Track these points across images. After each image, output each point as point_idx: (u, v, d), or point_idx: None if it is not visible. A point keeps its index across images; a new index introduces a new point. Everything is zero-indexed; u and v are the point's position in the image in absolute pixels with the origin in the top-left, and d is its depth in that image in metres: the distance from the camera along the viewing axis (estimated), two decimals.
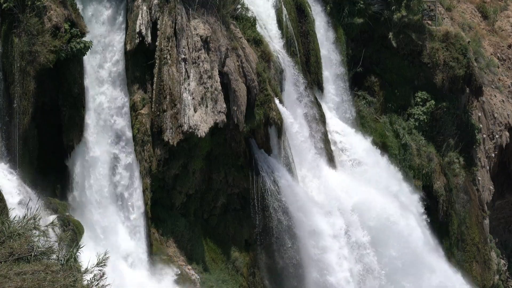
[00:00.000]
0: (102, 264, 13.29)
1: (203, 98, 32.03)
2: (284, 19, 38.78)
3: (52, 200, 28.40)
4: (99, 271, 13.56)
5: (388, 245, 39.54)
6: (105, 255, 13.33)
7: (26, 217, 14.22)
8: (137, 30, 31.17)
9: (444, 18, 50.25)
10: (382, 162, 42.54)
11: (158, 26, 31.75)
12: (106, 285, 14.00)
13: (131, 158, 31.44)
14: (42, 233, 14.39)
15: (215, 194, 34.54)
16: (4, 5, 27.49)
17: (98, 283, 13.84)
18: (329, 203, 37.36)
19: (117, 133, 31.28)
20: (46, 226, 14.55)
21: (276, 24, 38.64)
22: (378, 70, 45.47)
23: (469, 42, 48.05)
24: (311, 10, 41.15)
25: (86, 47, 28.74)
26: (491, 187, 50.38)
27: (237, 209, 35.22)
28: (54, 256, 14.37)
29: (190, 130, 31.56)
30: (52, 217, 26.62)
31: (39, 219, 14.42)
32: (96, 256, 13.82)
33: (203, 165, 33.88)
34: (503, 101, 52.55)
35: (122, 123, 31.33)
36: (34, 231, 14.29)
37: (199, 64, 32.27)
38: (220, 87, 32.49)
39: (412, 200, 43.05)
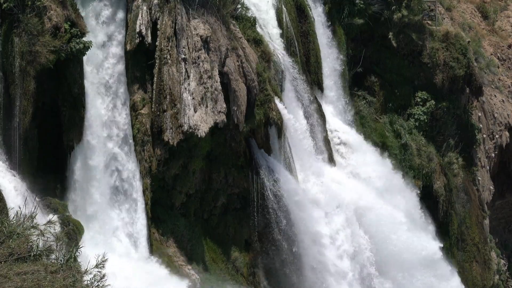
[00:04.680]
0: (101, 265, 13.30)
1: (203, 98, 32.04)
2: (284, 19, 38.78)
3: (52, 200, 28.39)
4: (98, 272, 13.57)
5: (388, 245, 39.56)
6: (103, 256, 13.34)
7: (24, 216, 14.23)
8: (137, 30, 31.18)
9: (444, 18, 50.27)
10: (382, 161, 42.55)
11: (158, 26, 31.75)
12: (106, 286, 14.01)
13: (131, 158, 31.46)
14: (40, 232, 14.39)
15: (215, 194, 34.55)
16: (4, 5, 27.48)
17: (98, 284, 13.85)
18: (329, 203, 37.36)
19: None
20: (44, 224, 14.57)
21: (276, 24, 38.64)
22: (378, 70, 45.48)
23: (469, 42, 48.05)
24: (311, 10, 41.15)
25: (86, 47, 28.76)
26: (491, 187, 50.40)
27: (237, 209, 35.23)
28: (54, 256, 14.38)
29: (190, 130, 31.57)
30: (51, 217, 26.62)
31: (36, 216, 14.43)
32: (95, 257, 13.82)
33: (203, 165, 33.89)
34: (503, 101, 52.57)
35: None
36: (32, 230, 14.30)
37: (199, 64, 32.28)
38: (220, 87, 32.50)
39: (413, 201, 43.07)
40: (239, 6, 35.59)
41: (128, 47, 31.17)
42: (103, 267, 13.61)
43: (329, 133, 40.12)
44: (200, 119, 31.79)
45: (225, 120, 32.52)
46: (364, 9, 43.14)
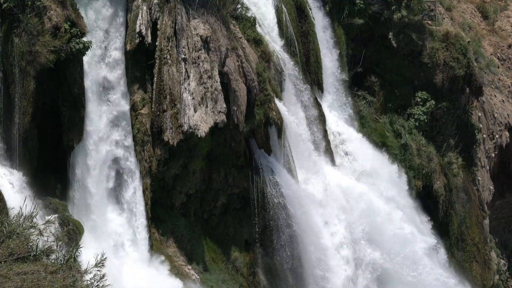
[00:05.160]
0: (101, 265, 13.30)
1: (203, 98, 32.04)
2: (284, 19, 38.78)
3: (52, 200, 28.39)
4: (98, 272, 13.57)
5: (388, 245, 39.55)
6: (102, 256, 13.34)
7: (23, 215, 14.23)
8: (137, 30, 31.19)
9: (444, 18, 50.26)
10: (382, 161, 42.54)
11: (158, 26, 31.75)
12: (107, 286, 14.01)
13: (131, 158, 31.46)
14: (39, 232, 14.39)
15: (215, 194, 34.55)
16: (4, 5, 27.48)
17: (98, 284, 13.85)
18: (328, 203, 37.35)
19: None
20: (43, 224, 14.57)
21: (276, 24, 38.64)
22: (378, 70, 45.47)
23: (469, 42, 48.05)
24: (311, 10, 41.15)
25: (86, 47, 28.76)
26: (491, 187, 50.38)
27: (237, 209, 35.23)
28: (54, 256, 14.38)
29: (190, 130, 31.57)
30: (51, 217, 26.63)
31: (36, 216, 14.41)
32: (94, 257, 13.82)
33: (203, 165, 33.89)
34: (503, 101, 52.56)
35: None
36: (32, 230, 14.30)
37: (199, 64, 32.29)
38: (220, 87, 32.51)
39: (412, 201, 43.08)
40: (239, 6, 35.59)
41: (128, 47, 31.18)
42: (103, 266, 13.62)
43: (328, 132, 40.10)
44: (200, 119, 31.79)
45: (225, 120, 32.52)
46: (364, 9, 43.14)
